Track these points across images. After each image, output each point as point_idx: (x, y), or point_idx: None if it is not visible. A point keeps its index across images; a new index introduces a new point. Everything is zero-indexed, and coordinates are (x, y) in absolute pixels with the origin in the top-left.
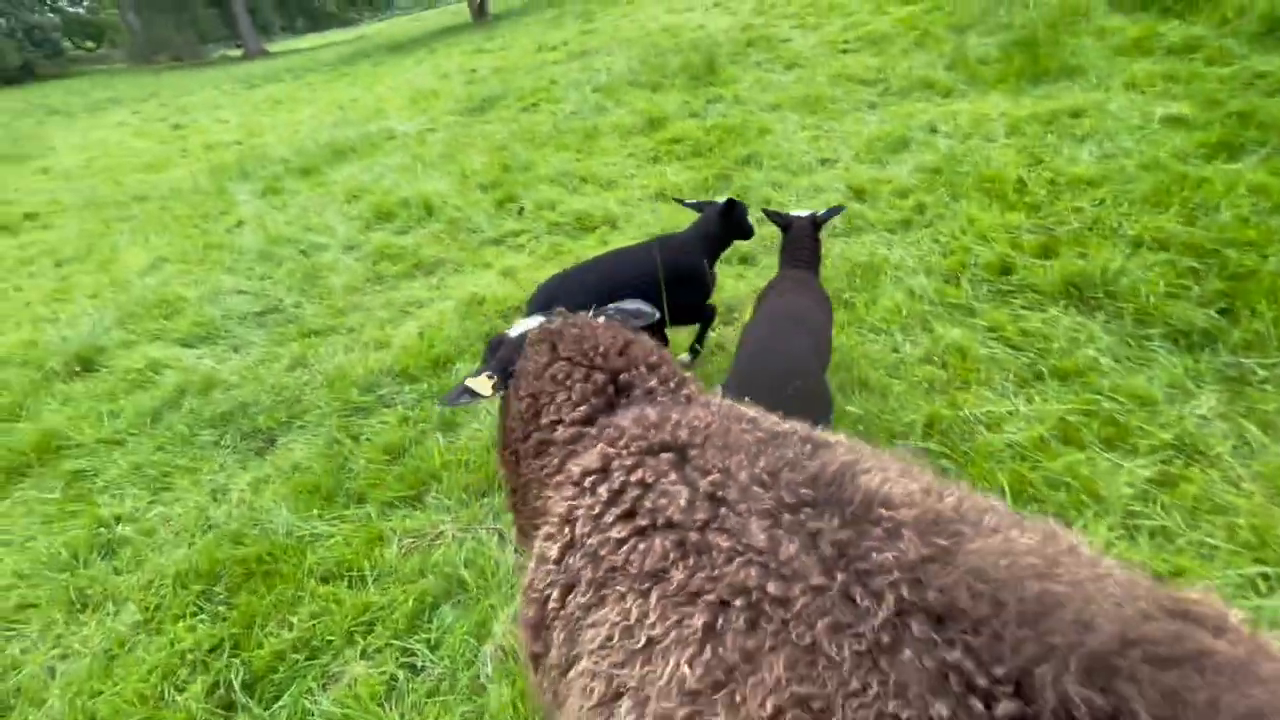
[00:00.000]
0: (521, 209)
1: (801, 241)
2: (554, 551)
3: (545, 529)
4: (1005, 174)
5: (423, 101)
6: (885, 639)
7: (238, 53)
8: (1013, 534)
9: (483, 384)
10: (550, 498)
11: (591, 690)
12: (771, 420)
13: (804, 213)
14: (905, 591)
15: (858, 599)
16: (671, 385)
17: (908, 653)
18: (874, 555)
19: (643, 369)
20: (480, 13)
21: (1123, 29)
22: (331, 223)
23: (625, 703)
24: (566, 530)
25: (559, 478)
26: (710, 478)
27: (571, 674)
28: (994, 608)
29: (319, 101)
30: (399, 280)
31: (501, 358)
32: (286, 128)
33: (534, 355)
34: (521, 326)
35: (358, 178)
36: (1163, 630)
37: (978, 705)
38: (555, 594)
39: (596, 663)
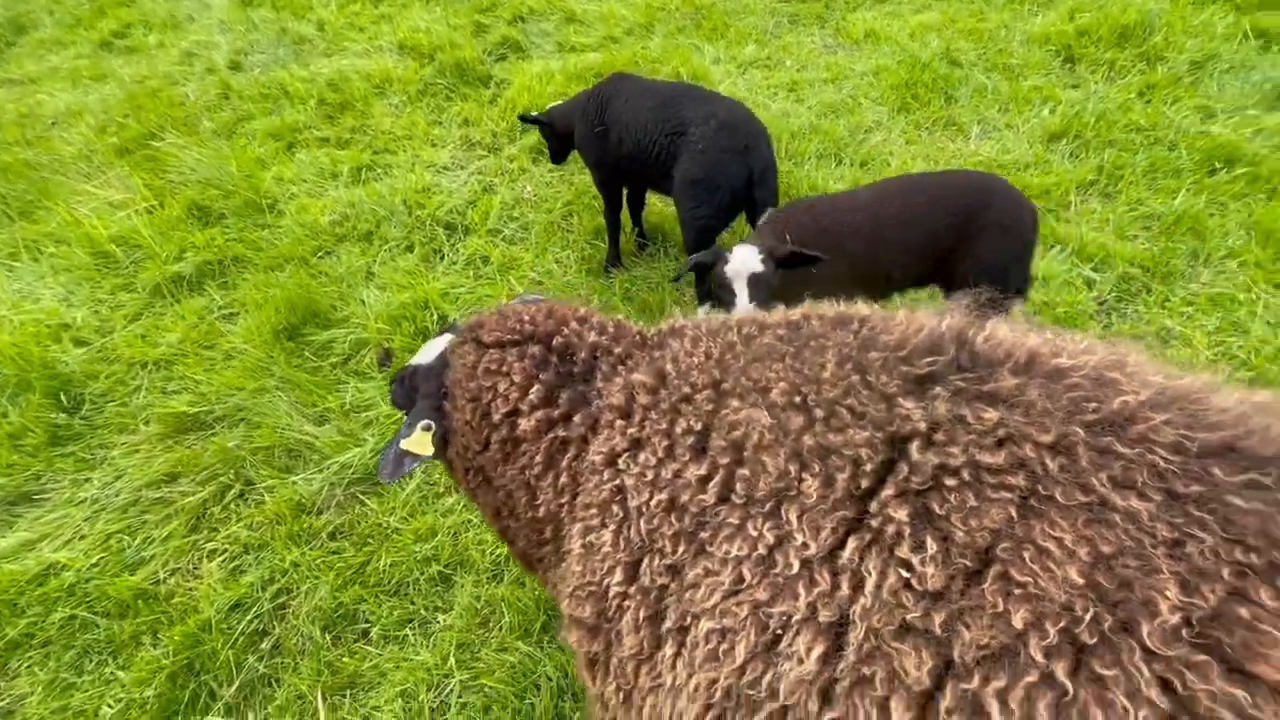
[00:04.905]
0: (387, 354)
1: None
2: (606, 536)
3: (581, 524)
4: None
5: None
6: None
7: None
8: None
9: (421, 441)
10: (561, 501)
11: (732, 649)
12: (753, 321)
13: None
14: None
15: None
16: (611, 333)
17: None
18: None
19: (574, 325)
20: None
21: None
22: None
23: (801, 637)
24: (616, 509)
25: (569, 474)
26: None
27: (677, 648)
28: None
29: None
30: None
31: (428, 393)
32: None
33: (460, 360)
34: (431, 349)
35: None
36: None
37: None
38: (618, 576)
39: (725, 613)
